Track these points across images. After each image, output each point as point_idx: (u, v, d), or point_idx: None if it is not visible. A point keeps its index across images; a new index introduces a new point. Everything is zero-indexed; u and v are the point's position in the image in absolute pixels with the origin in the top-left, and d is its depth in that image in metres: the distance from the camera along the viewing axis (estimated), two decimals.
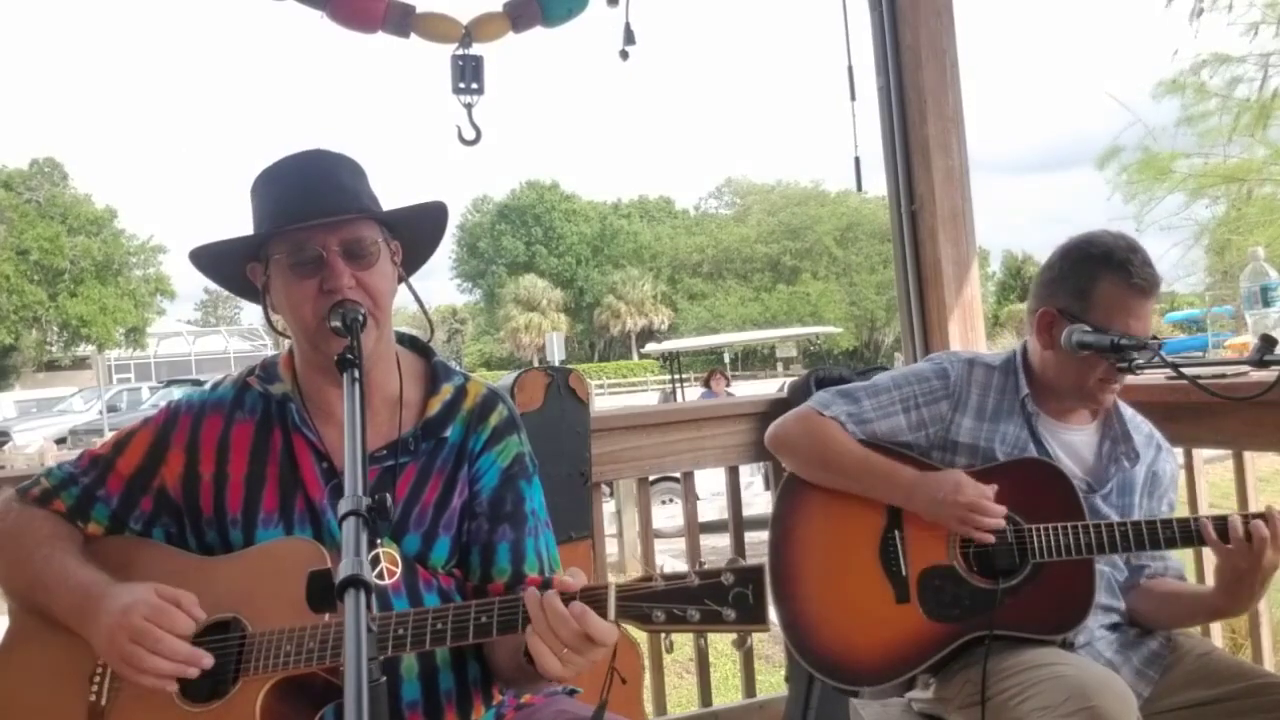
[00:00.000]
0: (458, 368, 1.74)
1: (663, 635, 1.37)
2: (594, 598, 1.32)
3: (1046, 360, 2.02)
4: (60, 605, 1.51)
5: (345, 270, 1.51)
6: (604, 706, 1.43)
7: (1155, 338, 1.92)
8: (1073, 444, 2.06)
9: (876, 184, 3.25)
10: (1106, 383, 1.95)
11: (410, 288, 1.66)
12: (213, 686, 1.45)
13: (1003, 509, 1.89)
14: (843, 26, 3.03)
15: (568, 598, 1.32)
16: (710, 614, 1.27)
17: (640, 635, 2.81)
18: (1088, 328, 1.92)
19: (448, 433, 1.63)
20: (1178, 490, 2.16)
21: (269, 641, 1.43)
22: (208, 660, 1.42)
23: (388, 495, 1.22)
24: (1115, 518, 1.99)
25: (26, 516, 1.61)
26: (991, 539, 1.90)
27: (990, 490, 1.90)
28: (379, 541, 1.46)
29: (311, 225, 1.50)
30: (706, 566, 1.30)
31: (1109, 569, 2.03)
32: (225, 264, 1.62)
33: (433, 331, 1.74)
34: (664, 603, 1.28)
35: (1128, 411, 2.09)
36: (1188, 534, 1.86)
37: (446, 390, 1.66)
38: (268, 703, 1.42)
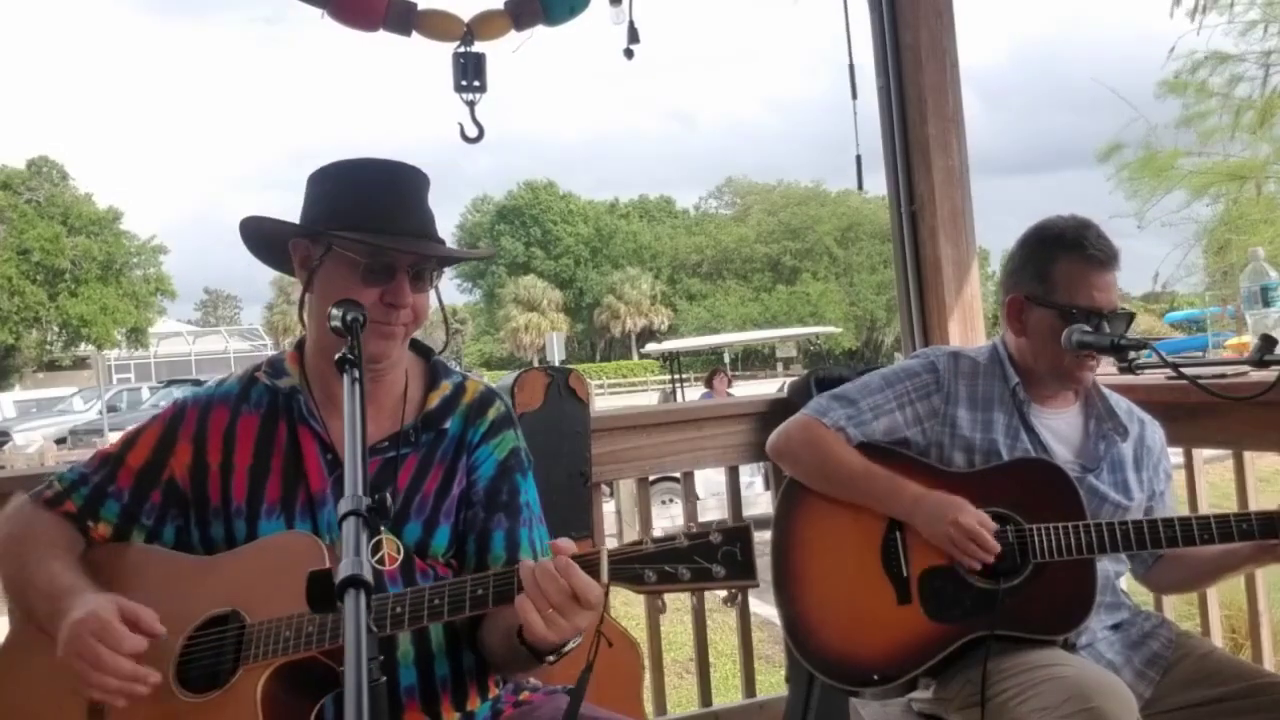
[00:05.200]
0: (456, 367, 1.77)
1: (658, 597, 1.41)
2: (587, 562, 1.35)
3: (1022, 347, 2.06)
4: (40, 610, 1.53)
5: (409, 291, 1.57)
6: (590, 668, 1.45)
7: (1123, 308, 1.98)
8: (1060, 428, 2.07)
9: (876, 184, 3.25)
10: (1083, 361, 1.98)
11: (439, 299, 1.71)
12: (213, 676, 1.46)
13: (998, 547, 1.89)
14: (844, 26, 3.03)
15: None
16: (700, 571, 1.32)
17: (640, 635, 2.81)
18: (1087, 328, 1.94)
19: (448, 425, 1.67)
20: (1169, 458, 2.17)
21: (268, 629, 1.45)
22: (154, 677, 1.43)
23: (387, 494, 1.23)
24: (1114, 495, 2.01)
25: (34, 520, 1.63)
26: (978, 567, 1.90)
27: (990, 523, 1.90)
28: (381, 529, 1.47)
29: (402, 249, 1.55)
30: (695, 529, 1.34)
31: (1113, 566, 2.04)
32: (271, 232, 1.66)
33: (448, 342, 1.79)
34: (655, 563, 1.33)
35: (1106, 389, 2.11)
36: (1189, 533, 1.86)
37: (446, 386, 1.71)
38: (268, 689, 1.43)
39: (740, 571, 1.31)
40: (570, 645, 1.43)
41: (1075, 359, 1.98)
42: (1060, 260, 1.98)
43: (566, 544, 1.39)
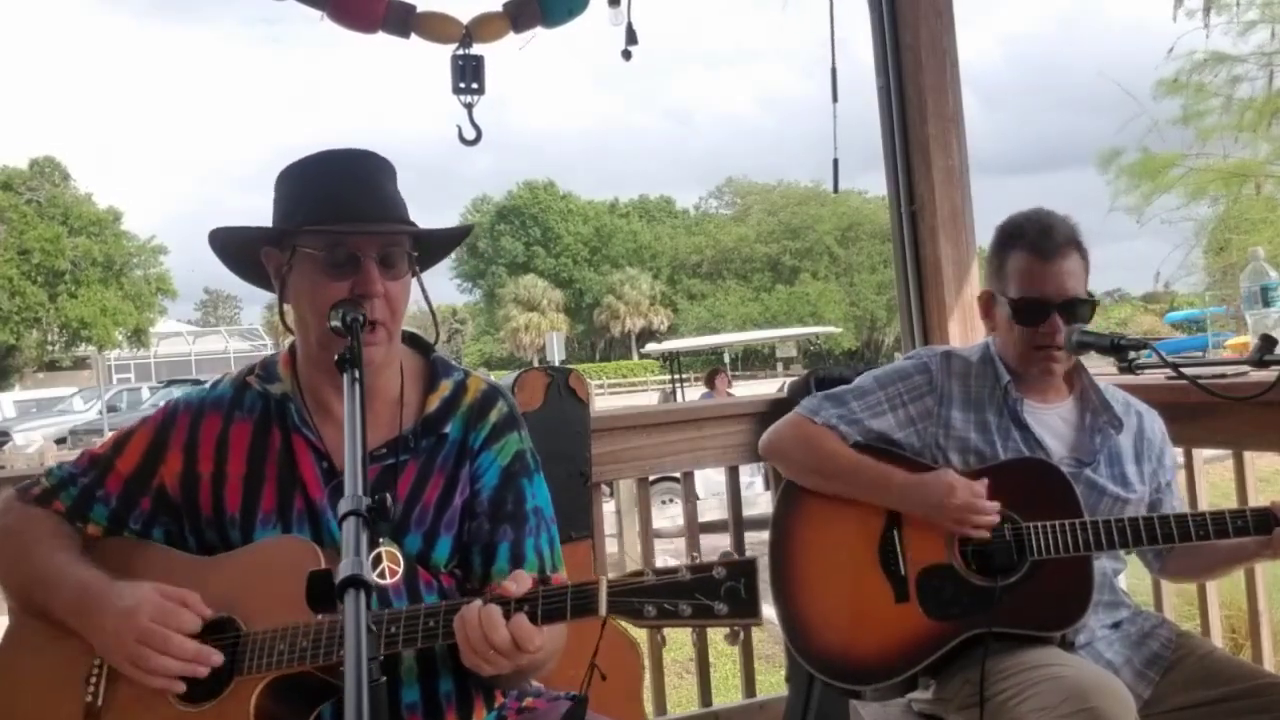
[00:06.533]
0: (457, 364, 1.72)
1: (657, 630, 1.38)
2: (584, 593, 1.32)
3: (995, 340, 2.12)
4: (59, 602, 1.51)
5: (379, 278, 1.51)
6: (585, 701, 1.43)
7: (1088, 295, 2.03)
8: (1054, 422, 2.08)
9: (876, 184, 3.25)
10: (1044, 348, 2.01)
11: (422, 287, 1.65)
12: (208, 686, 1.44)
13: (996, 505, 1.90)
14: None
15: (498, 599, 1.34)
16: (702, 608, 1.27)
17: (641, 635, 2.80)
18: (1086, 327, 1.98)
19: (448, 429, 1.61)
20: (1171, 448, 2.18)
21: (262, 641, 1.43)
22: (217, 657, 1.42)
23: (388, 495, 1.22)
24: (1113, 488, 2.02)
25: (27, 515, 1.61)
26: (988, 536, 1.91)
27: (981, 487, 1.91)
28: (380, 541, 1.46)
29: (359, 232, 1.49)
30: (699, 561, 1.30)
31: (1111, 565, 2.04)
32: (242, 244, 1.60)
33: (438, 335, 1.72)
34: (655, 597, 1.28)
35: (1102, 383, 2.12)
36: (1185, 530, 1.87)
37: (445, 386, 1.65)
38: (261, 702, 1.42)
39: (743, 610, 1.26)
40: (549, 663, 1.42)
41: (1033, 349, 2.02)
42: (1010, 254, 2.05)
43: (520, 581, 1.36)
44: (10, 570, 1.59)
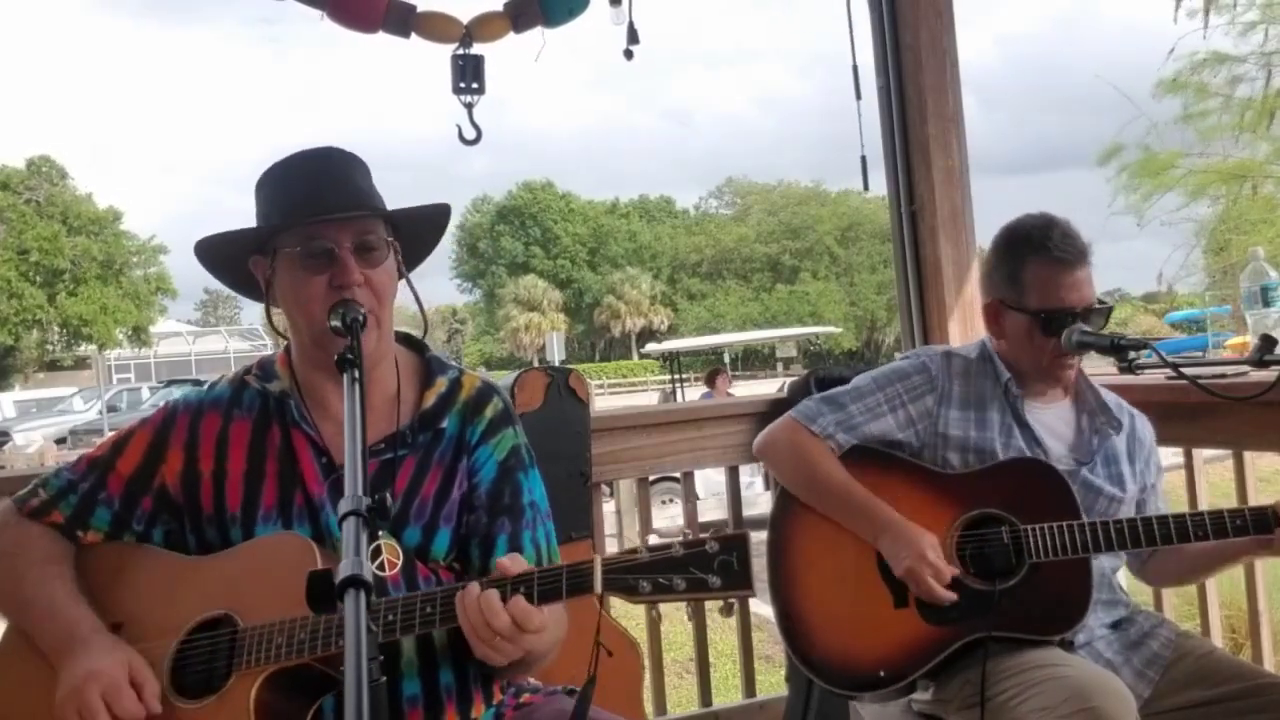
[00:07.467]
0: (452, 361, 1.75)
1: (653, 606, 1.39)
2: (579, 572, 1.34)
3: (1003, 349, 2.10)
4: (43, 638, 1.52)
5: (355, 267, 1.52)
6: (593, 681, 1.44)
7: (1101, 302, 2.01)
8: (1053, 422, 2.08)
9: (876, 184, 3.26)
10: (1062, 361, 2.02)
11: (410, 285, 1.67)
12: (207, 682, 1.45)
13: (951, 595, 1.89)
14: (847, 26, 3.04)
15: (496, 583, 1.35)
16: (696, 582, 1.29)
17: (641, 635, 2.81)
18: (1086, 328, 1.97)
19: (444, 424, 1.63)
20: (1158, 451, 2.18)
21: (260, 635, 1.44)
22: None
23: (387, 494, 1.22)
24: (1109, 488, 2.02)
25: (22, 534, 1.60)
26: (940, 597, 1.90)
27: (949, 571, 1.90)
28: (379, 534, 1.47)
29: (327, 220, 1.51)
30: (692, 536, 1.32)
31: (1109, 562, 2.04)
32: (229, 256, 1.62)
33: (426, 330, 1.74)
34: (649, 573, 1.30)
35: (1096, 383, 2.12)
36: (1183, 530, 1.87)
37: (441, 383, 1.67)
38: (261, 695, 1.43)
39: (736, 582, 1.29)
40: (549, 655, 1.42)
41: (1055, 359, 2.01)
42: (1029, 263, 2.01)
43: (516, 562, 1.38)
44: (3, 593, 1.59)
